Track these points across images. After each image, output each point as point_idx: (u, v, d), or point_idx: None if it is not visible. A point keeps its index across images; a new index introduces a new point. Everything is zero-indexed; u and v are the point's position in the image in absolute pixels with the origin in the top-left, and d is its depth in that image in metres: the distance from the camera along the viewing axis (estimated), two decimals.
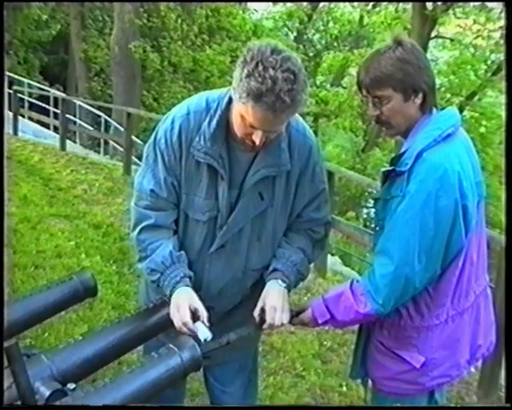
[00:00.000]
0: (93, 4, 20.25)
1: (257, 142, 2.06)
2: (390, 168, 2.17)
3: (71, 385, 1.78)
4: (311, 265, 2.50)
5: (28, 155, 10.48)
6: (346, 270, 7.24)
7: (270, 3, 25.61)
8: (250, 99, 1.95)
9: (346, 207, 20.21)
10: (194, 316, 2.16)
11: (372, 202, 2.54)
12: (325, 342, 4.73)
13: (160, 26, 19.29)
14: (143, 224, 2.28)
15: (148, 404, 1.90)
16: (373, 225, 2.33)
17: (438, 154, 2.07)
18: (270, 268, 2.33)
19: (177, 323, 2.15)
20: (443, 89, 22.64)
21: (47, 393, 1.75)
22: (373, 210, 2.37)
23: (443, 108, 2.23)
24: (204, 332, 2.13)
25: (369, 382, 2.46)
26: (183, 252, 2.29)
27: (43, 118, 14.43)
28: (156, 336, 2.27)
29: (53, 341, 4.04)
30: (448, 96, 22.22)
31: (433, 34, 18.48)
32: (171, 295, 2.20)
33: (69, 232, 6.56)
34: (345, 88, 22.37)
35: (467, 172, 2.11)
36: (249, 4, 24.58)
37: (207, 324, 2.15)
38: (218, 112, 2.17)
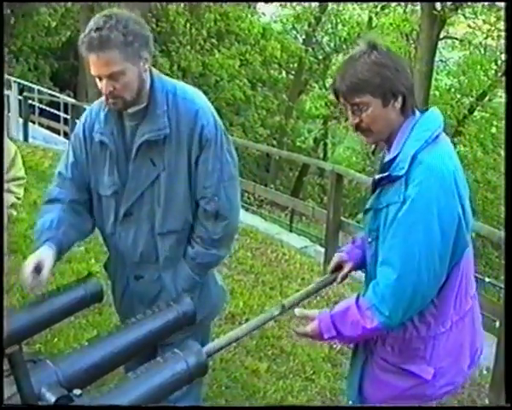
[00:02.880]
0: (102, 8, 20.30)
1: (103, 89, 2.34)
2: (384, 175, 2.10)
3: (77, 391, 1.77)
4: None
5: (38, 160, 10.50)
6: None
7: (279, 7, 25.59)
8: (82, 48, 2.31)
9: (357, 209, 20.15)
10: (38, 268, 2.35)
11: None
12: (335, 346, 4.71)
13: (169, 30, 19.36)
14: (46, 199, 2.63)
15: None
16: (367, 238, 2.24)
17: (431, 155, 2.03)
18: None
19: (23, 276, 2.35)
20: (453, 90, 22.58)
21: (53, 399, 1.74)
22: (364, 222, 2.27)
23: (425, 110, 2.17)
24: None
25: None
26: (63, 220, 2.52)
27: (53, 124, 14.50)
28: (162, 340, 2.26)
29: (62, 346, 4.04)
30: (458, 96, 22.15)
31: (442, 35, 18.38)
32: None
33: None
34: None
35: (459, 171, 2.10)
36: (258, 7, 24.59)
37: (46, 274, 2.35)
38: None
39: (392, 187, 2.06)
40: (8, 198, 3.19)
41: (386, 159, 2.14)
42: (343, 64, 2.13)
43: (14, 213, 3.28)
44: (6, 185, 3.18)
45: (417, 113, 2.14)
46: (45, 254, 2.40)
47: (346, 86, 2.06)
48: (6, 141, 3.19)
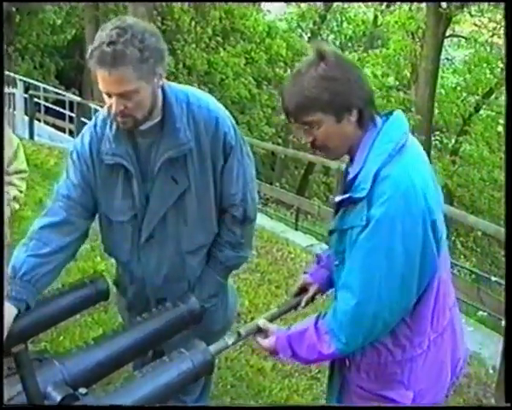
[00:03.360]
0: (107, 6, 20.31)
1: (113, 109, 2.12)
2: (345, 196, 1.92)
3: (82, 390, 1.77)
4: None
5: (44, 158, 10.49)
6: None
7: (284, 5, 25.57)
8: (91, 62, 2.07)
9: None
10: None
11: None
12: None
13: (174, 28, 19.32)
14: (46, 219, 2.29)
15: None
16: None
17: (396, 170, 1.85)
18: None
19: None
20: (459, 88, 22.52)
21: (58, 398, 1.74)
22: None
23: (388, 114, 1.99)
24: None
25: None
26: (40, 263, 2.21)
27: (58, 122, 14.49)
28: (168, 339, 2.26)
29: (68, 344, 4.03)
30: (464, 95, 22.09)
31: (448, 33, 18.35)
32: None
33: None
34: None
35: (428, 183, 1.92)
36: (263, 5, 24.56)
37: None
38: None
39: (355, 208, 1.89)
40: (11, 191, 3.19)
41: (349, 177, 1.97)
42: (290, 79, 1.93)
43: (17, 206, 3.27)
44: (8, 178, 3.18)
45: (379, 121, 1.96)
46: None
47: (294, 106, 1.89)
48: (8, 133, 3.19)
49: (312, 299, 2.35)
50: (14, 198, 3.21)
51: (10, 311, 2.06)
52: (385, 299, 1.86)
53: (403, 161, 1.88)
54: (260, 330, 2.09)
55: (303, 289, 2.36)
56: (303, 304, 2.35)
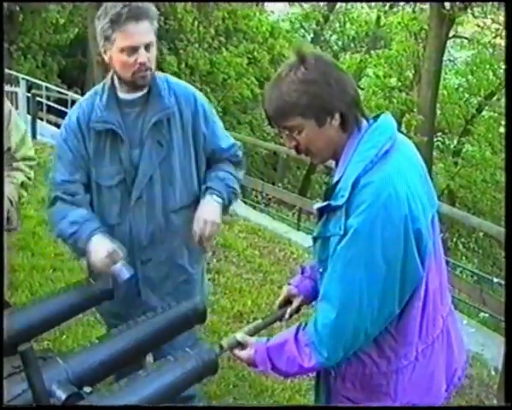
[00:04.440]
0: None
1: (141, 59, 2.40)
2: (324, 204, 1.88)
3: (87, 389, 1.77)
4: None
5: (47, 157, 10.48)
6: None
7: (287, 5, 25.58)
8: (116, 26, 2.37)
9: None
10: (112, 258, 2.40)
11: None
12: None
13: (177, 28, 19.34)
14: (58, 203, 2.57)
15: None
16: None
17: (377, 177, 1.79)
18: (203, 189, 2.63)
19: (98, 265, 2.40)
20: (461, 89, 22.52)
21: (63, 396, 1.74)
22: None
23: (376, 117, 1.94)
24: (124, 271, 2.40)
25: None
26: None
27: (60, 121, 14.46)
28: (173, 338, 2.26)
29: (70, 343, 4.04)
30: (466, 96, 22.09)
31: (451, 34, 18.33)
32: (87, 243, 2.44)
33: None
34: (362, 89, 22.28)
35: (414, 189, 1.85)
36: (266, 6, 24.58)
37: (125, 263, 2.42)
38: (107, 87, 2.55)
39: (335, 216, 1.84)
40: (19, 176, 3.15)
41: (331, 183, 1.93)
42: (270, 83, 1.90)
43: (25, 194, 3.23)
44: (16, 164, 3.16)
45: (364, 125, 1.90)
46: (107, 242, 2.44)
47: (273, 110, 1.86)
48: (15, 118, 3.17)
49: (297, 311, 2.29)
50: (22, 184, 3.17)
51: (103, 239, 2.44)
52: (366, 310, 1.81)
53: (386, 167, 1.82)
54: (240, 344, 2.03)
55: (287, 301, 2.29)
56: (287, 316, 2.27)
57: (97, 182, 2.57)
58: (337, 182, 1.87)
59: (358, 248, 1.79)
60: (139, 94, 2.53)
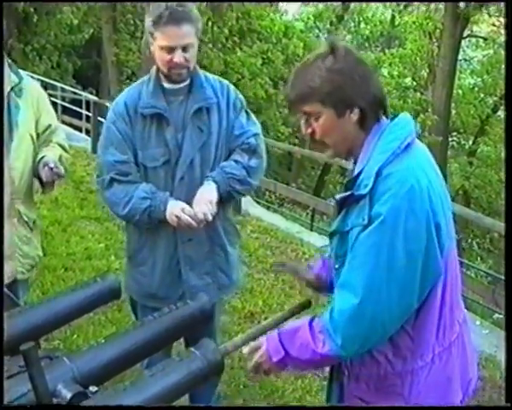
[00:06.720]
0: (124, 7, 20.41)
1: (177, 59, 2.62)
2: (347, 194, 1.87)
3: (93, 388, 1.77)
4: None
5: None
6: None
7: (301, 5, 25.56)
8: (157, 26, 2.58)
9: None
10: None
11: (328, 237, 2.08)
12: None
13: None
14: (115, 184, 2.72)
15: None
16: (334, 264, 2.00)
17: (400, 167, 1.80)
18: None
19: (182, 215, 2.59)
20: (476, 89, 22.39)
21: (69, 395, 1.73)
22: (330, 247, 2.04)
23: (394, 116, 1.94)
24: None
25: None
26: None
27: (75, 121, 14.57)
28: (179, 337, 2.26)
29: (81, 342, 4.06)
30: (482, 95, 21.96)
31: (465, 33, 18.25)
32: (164, 211, 2.65)
33: (99, 234, 6.62)
34: None
35: (434, 185, 1.85)
36: (280, 6, 24.57)
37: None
38: (152, 77, 2.76)
39: (357, 207, 1.84)
40: (56, 152, 3.00)
41: (351, 176, 1.94)
42: (296, 68, 1.92)
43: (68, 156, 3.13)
44: (56, 139, 3.06)
45: (385, 122, 1.91)
46: (182, 203, 2.65)
47: (295, 94, 1.88)
48: (49, 107, 3.09)
49: (309, 305, 2.26)
50: (60, 158, 2.96)
51: (177, 201, 2.65)
52: (384, 300, 1.79)
53: (408, 160, 1.82)
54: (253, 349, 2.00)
55: (311, 284, 2.29)
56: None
57: (143, 163, 2.74)
58: (358, 174, 1.86)
59: (382, 235, 1.77)
60: (182, 85, 2.74)
